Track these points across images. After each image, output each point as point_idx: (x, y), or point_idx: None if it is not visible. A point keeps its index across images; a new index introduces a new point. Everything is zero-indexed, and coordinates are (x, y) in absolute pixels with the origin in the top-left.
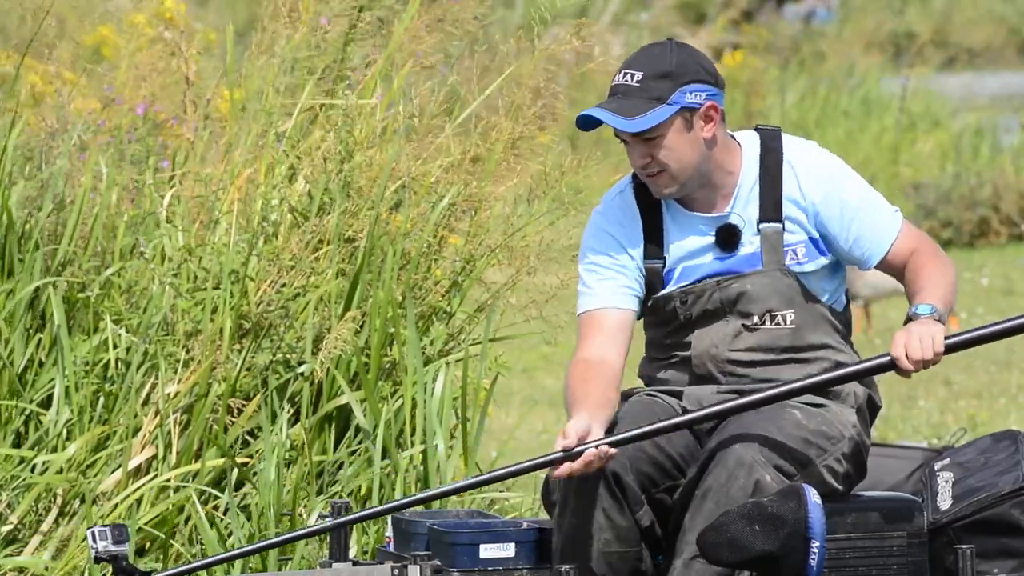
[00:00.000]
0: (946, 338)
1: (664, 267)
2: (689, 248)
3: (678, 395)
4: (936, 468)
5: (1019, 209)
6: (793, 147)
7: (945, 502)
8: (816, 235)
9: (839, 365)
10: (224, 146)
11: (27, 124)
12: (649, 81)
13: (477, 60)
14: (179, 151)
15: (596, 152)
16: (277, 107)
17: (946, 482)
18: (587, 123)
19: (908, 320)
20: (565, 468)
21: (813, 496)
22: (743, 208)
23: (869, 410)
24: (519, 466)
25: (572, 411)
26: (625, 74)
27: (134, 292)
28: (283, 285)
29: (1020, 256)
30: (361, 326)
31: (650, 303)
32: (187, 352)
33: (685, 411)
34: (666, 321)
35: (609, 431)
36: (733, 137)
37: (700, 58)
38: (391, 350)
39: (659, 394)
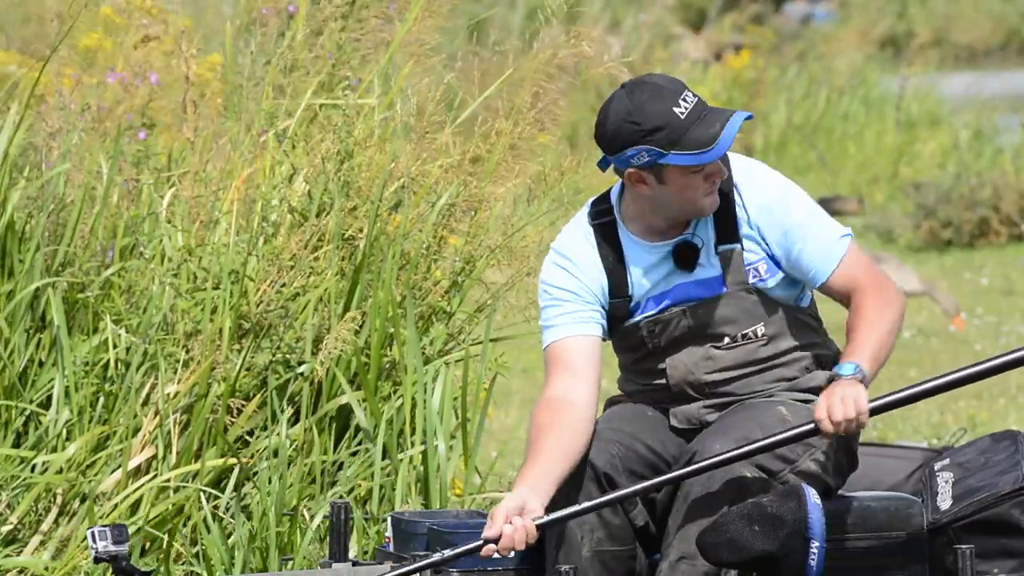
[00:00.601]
0: (870, 401)
1: (631, 302)
2: (653, 278)
3: (665, 412)
4: (936, 468)
5: (1019, 209)
6: (740, 169)
7: (945, 502)
8: (769, 253)
9: (817, 359)
10: (224, 146)
11: (29, 125)
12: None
13: (477, 62)
14: (179, 151)
15: (595, 152)
16: (281, 107)
17: (946, 482)
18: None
19: (831, 380)
20: (490, 549)
21: (813, 496)
22: (702, 230)
23: None
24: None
25: (522, 469)
26: (688, 95)
27: (134, 292)
28: (283, 285)
29: (1020, 256)
30: (361, 326)
31: (617, 332)
32: (187, 352)
33: (673, 429)
34: (634, 347)
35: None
36: None
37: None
38: (391, 350)
39: (649, 406)
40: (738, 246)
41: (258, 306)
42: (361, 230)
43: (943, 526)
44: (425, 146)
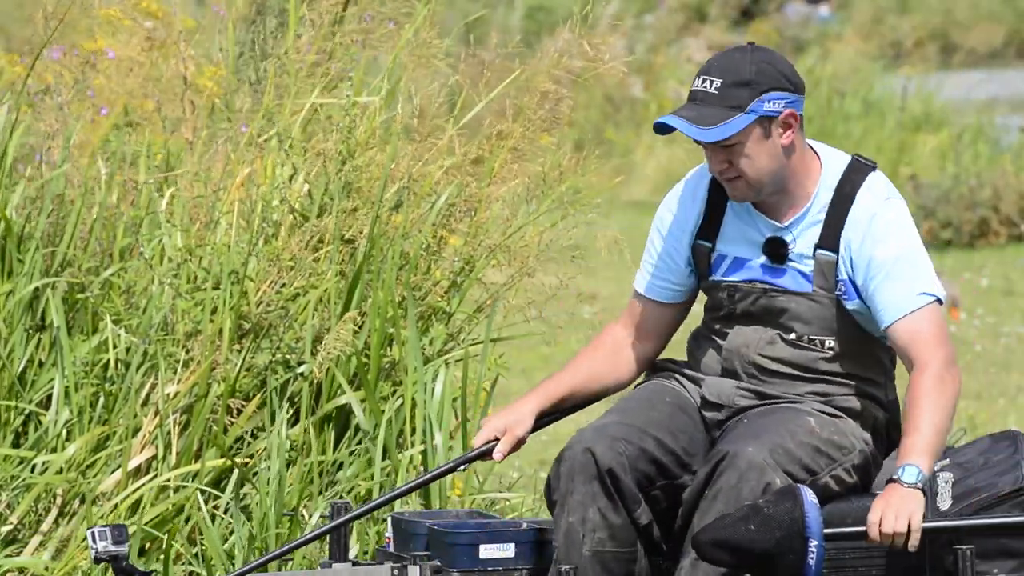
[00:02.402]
0: (925, 521)
1: (712, 250)
2: (741, 242)
3: (699, 382)
4: (936, 468)
5: (1019, 210)
6: (867, 189)
7: (945, 502)
8: (853, 277)
9: (867, 397)
10: (223, 146)
11: (27, 126)
12: (728, 88)
13: (481, 63)
14: (176, 151)
15: (596, 152)
16: (283, 107)
17: (946, 482)
18: (663, 129)
19: (892, 480)
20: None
21: (809, 496)
22: (806, 228)
23: (887, 439)
24: (423, 477)
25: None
26: (704, 80)
27: (134, 292)
28: (283, 285)
29: (1020, 256)
30: (361, 326)
31: (705, 284)
32: (187, 352)
33: (703, 399)
34: (714, 307)
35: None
36: (812, 148)
37: (780, 64)
38: (391, 350)
39: (679, 378)
40: (834, 256)
41: (258, 306)
42: (361, 231)
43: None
44: (427, 147)
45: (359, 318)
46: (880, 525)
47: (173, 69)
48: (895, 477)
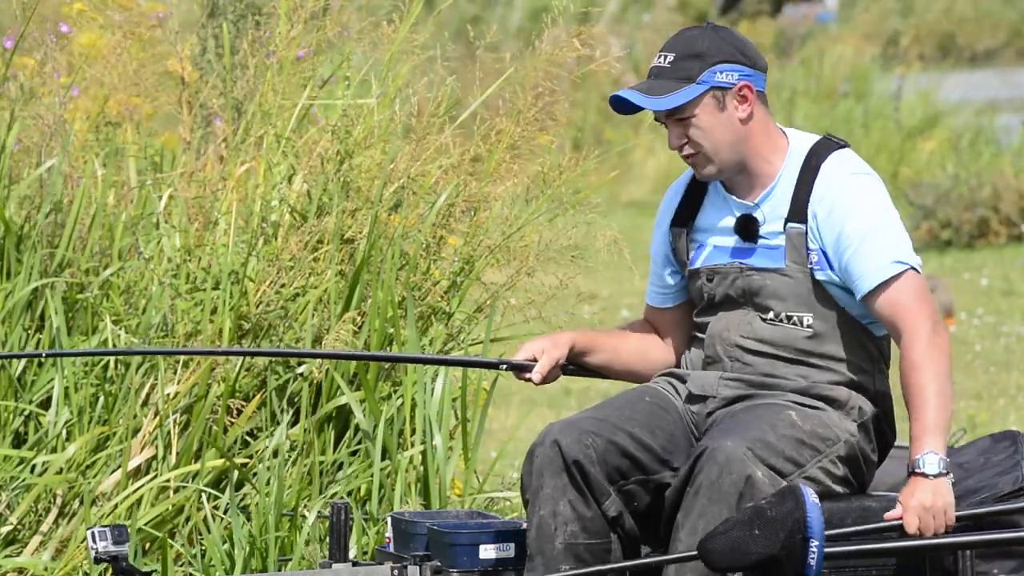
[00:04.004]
0: (957, 512)
1: (689, 235)
2: (716, 228)
3: (685, 379)
4: None
5: (1019, 210)
6: (833, 161)
7: None
8: (824, 249)
9: (852, 386)
10: (220, 146)
11: (23, 124)
12: (680, 61)
13: (476, 62)
14: (172, 149)
15: (595, 151)
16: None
17: None
18: (622, 106)
19: (915, 474)
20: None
21: (811, 496)
22: (775, 204)
23: (878, 434)
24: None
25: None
26: (659, 56)
27: (133, 293)
28: (282, 285)
29: (1019, 257)
30: (360, 326)
31: (687, 278)
32: None
33: (689, 394)
34: (698, 297)
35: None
36: (784, 131)
37: (736, 40)
38: (391, 350)
39: (666, 380)
40: (803, 227)
41: (258, 307)
42: (361, 231)
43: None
44: (425, 147)
45: (359, 318)
46: (920, 528)
47: (159, 65)
48: (918, 470)
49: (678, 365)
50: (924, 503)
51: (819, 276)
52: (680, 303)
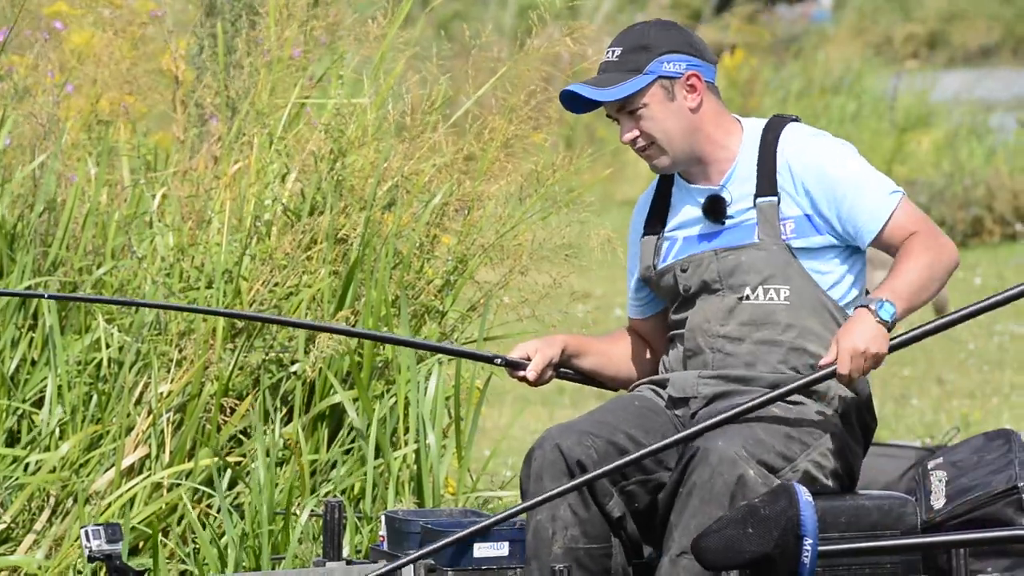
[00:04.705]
0: (892, 338)
1: (661, 237)
2: (684, 218)
3: (665, 383)
4: (929, 467)
5: (1013, 209)
6: (789, 131)
7: (938, 501)
8: (810, 212)
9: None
10: (215, 145)
11: (16, 123)
12: (627, 54)
13: (471, 60)
14: (168, 150)
15: (588, 150)
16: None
17: (939, 481)
18: (573, 103)
19: (863, 306)
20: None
21: (804, 495)
22: (739, 182)
23: (860, 422)
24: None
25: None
26: (608, 51)
27: (126, 292)
28: (276, 284)
29: (1013, 256)
30: (354, 325)
31: (653, 276)
32: (180, 351)
33: (670, 398)
34: (671, 296)
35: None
36: (739, 121)
37: (683, 33)
38: (384, 349)
39: (649, 387)
40: (775, 199)
41: (251, 305)
42: (354, 230)
43: (937, 525)
44: (418, 145)
45: (352, 317)
46: (850, 370)
47: (151, 63)
48: (870, 305)
49: (659, 370)
50: (858, 346)
51: (796, 244)
52: (659, 311)
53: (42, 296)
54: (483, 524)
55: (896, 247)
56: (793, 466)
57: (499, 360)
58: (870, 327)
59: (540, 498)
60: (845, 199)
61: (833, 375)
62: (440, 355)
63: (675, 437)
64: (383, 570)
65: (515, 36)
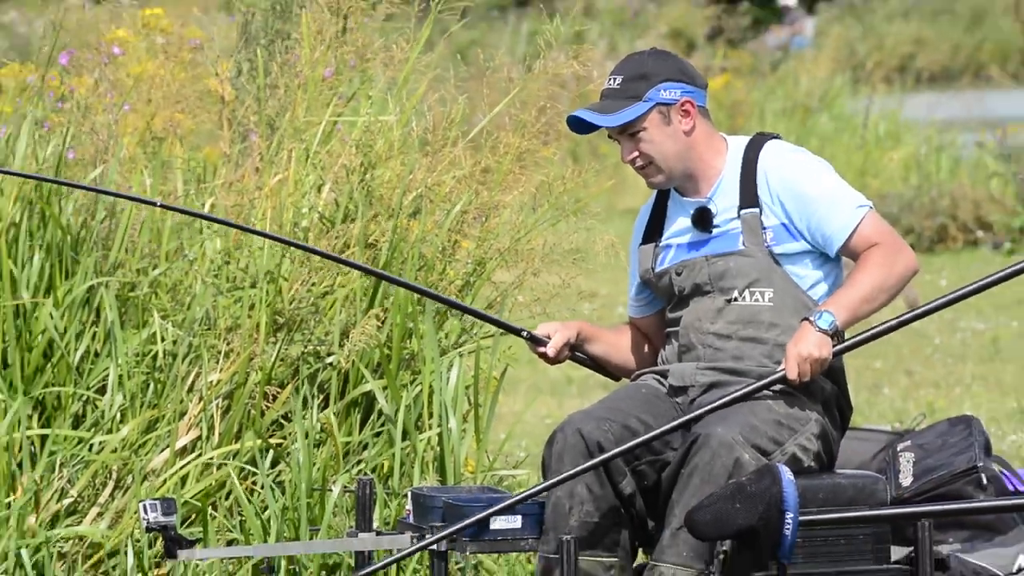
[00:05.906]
0: (835, 346)
1: (658, 246)
2: (678, 228)
3: (665, 374)
4: (899, 449)
5: (974, 218)
6: (769, 147)
7: (906, 479)
8: (786, 221)
9: None
10: (256, 159)
11: (78, 139)
12: (628, 83)
13: (486, 81)
14: (215, 163)
15: (594, 164)
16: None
17: (907, 461)
18: (579, 126)
19: (806, 319)
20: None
21: (787, 474)
22: (724, 195)
23: (838, 409)
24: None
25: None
26: (610, 79)
27: (179, 291)
28: (313, 284)
29: (975, 261)
30: (383, 321)
31: (652, 279)
32: (227, 344)
33: (670, 387)
34: (667, 297)
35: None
36: (725, 139)
37: (678, 62)
38: (410, 342)
39: (651, 377)
40: (756, 210)
41: (291, 303)
42: (383, 235)
43: (905, 500)
44: (439, 159)
45: (382, 314)
46: (799, 374)
47: (201, 85)
48: (811, 319)
49: (657, 362)
50: (801, 352)
51: (777, 250)
52: (657, 310)
53: (155, 204)
54: (510, 500)
55: (859, 256)
56: (782, 450)
57: (525, 333)
58: (812, 336)
59: (562, 476)
60: (816, 212)
61: (785, 378)
62: (461, 348)
63: (678, 421)
64: (437, 538)
65: (525, 60)
